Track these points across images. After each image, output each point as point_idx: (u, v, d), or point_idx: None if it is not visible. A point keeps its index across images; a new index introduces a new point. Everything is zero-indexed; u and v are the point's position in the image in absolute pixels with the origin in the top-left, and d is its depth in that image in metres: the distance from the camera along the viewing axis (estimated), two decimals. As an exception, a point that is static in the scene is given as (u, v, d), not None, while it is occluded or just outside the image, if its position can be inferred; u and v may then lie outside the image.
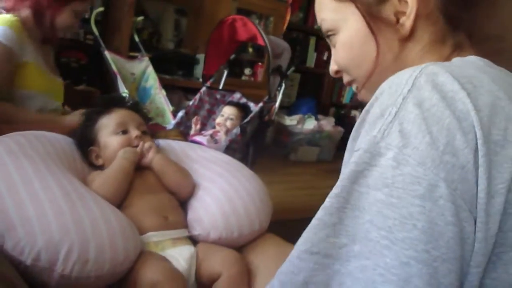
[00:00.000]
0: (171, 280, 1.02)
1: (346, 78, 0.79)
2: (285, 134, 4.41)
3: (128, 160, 1.25)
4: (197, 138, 2.65)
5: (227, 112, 2.67)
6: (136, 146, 1.30)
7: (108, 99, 1.43)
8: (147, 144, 1.29)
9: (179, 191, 1.30)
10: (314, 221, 0.57)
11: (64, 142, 1.31)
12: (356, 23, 0.71)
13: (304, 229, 0.59)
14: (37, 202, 1.00)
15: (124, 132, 1.32)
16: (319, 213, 0.57)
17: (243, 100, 2.86)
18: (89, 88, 2.30)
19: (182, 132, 1.88)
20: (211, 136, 2.62)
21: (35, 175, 1.06)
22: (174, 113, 2.98)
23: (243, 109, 2.72)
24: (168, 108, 3.05)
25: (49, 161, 1.14)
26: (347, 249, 0.54)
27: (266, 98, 2.70)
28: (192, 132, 2.70)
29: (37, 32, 1.78)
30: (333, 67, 0.80)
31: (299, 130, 4.41)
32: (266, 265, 1.17)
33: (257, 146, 2.79)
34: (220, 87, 2.93)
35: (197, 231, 1.22)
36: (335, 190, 0.57)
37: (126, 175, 1.23)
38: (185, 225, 1.24)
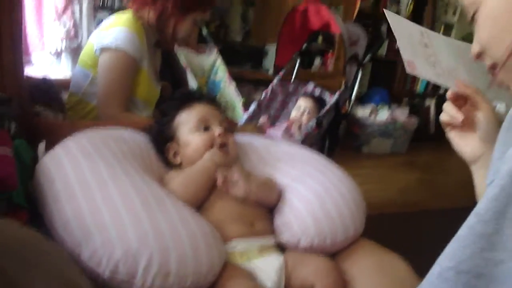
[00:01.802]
0: None
1: (488, 61, 0.66)
2: (357, 125, 4.22)
3: (215, 163, 1.16)
4: (271, 131, 2.55)
5: (303, 104, 2.55)
6: (220, 146, 1.20)
7: (187, 93, 1.34)
8: (235, 175, 1.12)
9: (266, 204, 1.18)
10: (462, 231, 0.45)
11: (140, 140, 1.23)
12: None
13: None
14: (113, 208, 0.92)
15: (206, 128, 1.22)
16: (470, 220, 0.44)
17: (317, 91, 2.72)
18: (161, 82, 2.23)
19: (259, 126, 1.78)
20: (286, 130, 2.51)
21: (111, 178, 0.98)
22: (245, 106, 2.90)
23: (319, 101, 2.59)
24: (238, 101, 2.96)
25: (124, 162, 1.06)
26: (506, 267, 0.42)
27: (342, 88, 2.56)
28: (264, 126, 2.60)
29: (154, 36, 1.76)
30: (474, 48, 0.67)
31: (372, 122, 4.21)
32: (365, 276, 1.04)
33: (332, 139, 2.65)
34: (292, 78, 2.81)
35: (285, 237, 1.11)
36: (493, 190, 0.43)
37: (210, 178, 1.13)
38: (272, 231, 1.13)
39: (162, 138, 1.25)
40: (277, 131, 2.53)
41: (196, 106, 1.25)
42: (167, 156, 1.24)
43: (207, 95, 1.33)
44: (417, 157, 4.44)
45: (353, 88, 2.64)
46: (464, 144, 0.85)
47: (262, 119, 2.57)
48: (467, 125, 0.81)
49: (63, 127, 1.35)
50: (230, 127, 1.34)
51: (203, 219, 1.02)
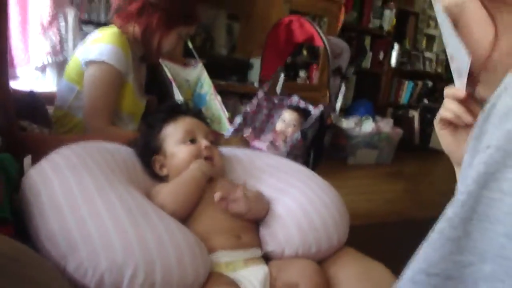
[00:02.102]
0: None
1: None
2: (342, 137, 4.27)
3: (204, 173, 1.17)
4: (257, 144, 2.57)
5: (288, 117, 2.58)
6: (206, 158, 1.22)
7: (173, 106, 1.35)
8: (239, 193, 1.11)
9: (257, 219, 1.19)
10: (433, 235, 0.47)
11: (125, 152, 1.25)
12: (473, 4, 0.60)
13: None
14: (99, 219, 0.94)
15: (193, 141, 1.24)
16: (440, 226, 0.47)
17: (302, 103, 2.75)
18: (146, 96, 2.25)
19: (244, 138, 1.80)
20: (271, 142, 2.53)
21: (96, 190, 1.00)
22: (231, 120, 2.92)
23: (303, 113, 2.62)
24: (224, 114, 2.98)
25: (109, 174, 1.08)
26: (475, 269, 0.44)
27: (326, 101, 2.59)
28: (250, 139, 2.62)
29: (139, 50, 1.78)
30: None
31: (357, 133, 4.27)
32: (350, 282, 1.06)
33: (317, 150, 2.68)
34: (278, 90, 2.84)
35: (270, 247, 1.13)
36: (460, 197, 0.46)
37: (198, 188, 1.15)
38: (258, 243, 1.14)
39: (148, 151, 1.26)
40: (262, 143, 2.55)
41: (183, 118, 1.27)
42: (153, 169, 1.25)
43: (193, 108, 1.35)
44: (402, 167, 4.50)
45: (336, 100, 2.67)
46: (456, 144, 0.83)
47: (247, 132, 2.58)
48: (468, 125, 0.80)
49: (49, 141, 1.36)
50: (216, 140, 1.36)
51: (189, 230, 1.04)
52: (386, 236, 2.87)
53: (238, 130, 2.66)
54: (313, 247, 1.11)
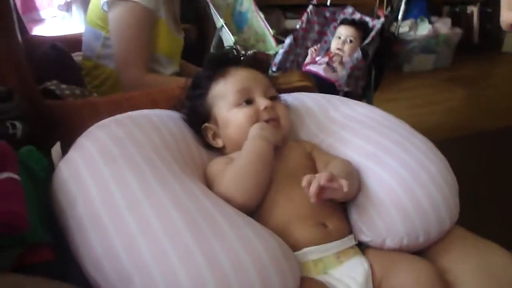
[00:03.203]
0: None
1: None
2: (396, 43, 3.88)
3: (269, 142, 0.92)
4: (311, 68, 2.29)
5: (344, 33, 2.27)
6: (267, 121, 0.98)
7: (218, 57, 1.08)
8: (324, 176, 0.81)
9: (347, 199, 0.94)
10: None
11: (172, 123, 1.00)
12: None
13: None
14: (152, 237, 0.72)
15: (249, 102, 0.99)
16: None
17: (357, 15, 2.41)
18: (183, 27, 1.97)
19: (307, 74, 1.51)
20: (328, 64, 2.24)
21: (143, 193, 0.77)
22: (276, 37, 2.62)
23: (361, 27, 2.30)
24: (269, 32, 2.68)
25: (157, 163, 0.84)
26: None
27: (388, 10, 2.25)
28: (306, 60, 2.33)
29: None
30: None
31: (412, 37, 3.87)
32: (471, 280, 0.83)
33: (380, 69, 2.37)
34: (328, 2, 2.50)
35: (367, 237, 0.89)
36: None
37: (266, 165, 0.90)
38: (349, 230, 0.91)
39: (196, 118, 1.02)
40: (318, 66, 2.27)
41: (233, 73, 1.01)
42: (205, 139, 1.02)
43: (246, 57, 1.08)
44: (461, 70, 4.10)
45: (399, 9, 2.33)
46: None
47: (310, 53, 2.29)
48: None
49: (83, 108, 1.13)
50: (276, 85, 1.10)
51: (267, 231, 0.80)
52: (454, 153, 2.61)
53: (289, 53, 2.37)
54: (421, 235, 0.87)
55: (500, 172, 2.44)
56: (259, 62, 1.11)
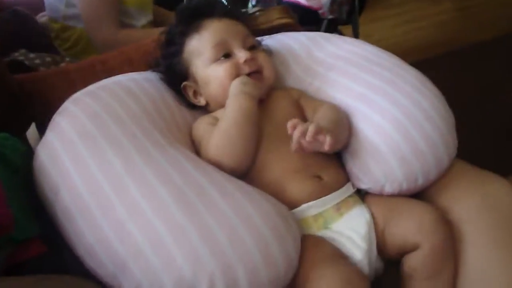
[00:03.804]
0: None
1: None
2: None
3: (252, 96, 0.87)
4: (293, -3, 2.18)
5: (321, -44, 2.14)
6: (249, 74, 0.92)
7: (192, 9, 0.99)
8: (311, 129, 0.75)
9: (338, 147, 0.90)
10: None
11: (150, 86, 0.94)
12: None
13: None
14: (142, 219, 0.68)
15: (227, 56, 0.93)
16: None
17: None
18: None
19: (287, 9, 1.41)
20: (309, -9, 2.13)
21: (127, 170, 0.73)
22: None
23: None
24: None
25: (138, 135, 0.80)
26: None
27: None
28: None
29: None
30: None
31: None
32: (476, 219, 0.80)
33: (362, -10, 2.27)
34: None
35: (365, 184, 0.86)
36: None
37: (253, 122, 0.85)
38: (346, 179, 0.88)
39: (174, 77, 0.97)
40: (299, -4, 2.16)
41: (207, 26, 0.94)
42: (187, 98, 0.97)
43: (220, 6, 1.00)
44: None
45: None
46: None
47: None
48: None
49: (54, 78, 1.07)
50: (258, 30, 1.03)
51: (260, 192, 0.77)
52: (451, 68, 2.56)
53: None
54: (420, 178, 0.84)
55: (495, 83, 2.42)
56: (235, 10, 1.03)
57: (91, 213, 0.70)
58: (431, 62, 2.60)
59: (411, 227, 0.78)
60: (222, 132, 0.84)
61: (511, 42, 2.79)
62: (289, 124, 0.77)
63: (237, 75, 0.91)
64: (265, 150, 0.86)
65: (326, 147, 0.76)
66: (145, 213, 0.68)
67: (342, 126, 0.87)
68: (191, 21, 0.96)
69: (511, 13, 3.20)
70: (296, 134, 0.76)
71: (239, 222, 0.69)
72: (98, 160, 0.74)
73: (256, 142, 0.85)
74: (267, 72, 0.95)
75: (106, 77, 0.95)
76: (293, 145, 0.77)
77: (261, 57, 0.96)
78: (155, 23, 1.55)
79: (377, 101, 0.89)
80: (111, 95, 0.86)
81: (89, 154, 0.75)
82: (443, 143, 0.85)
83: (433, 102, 0.88)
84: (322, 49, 1.05)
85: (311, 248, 0.76)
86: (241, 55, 0.92)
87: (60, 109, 0.85)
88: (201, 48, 0.93)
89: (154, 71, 1.00)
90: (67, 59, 1.29)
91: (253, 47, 0.96)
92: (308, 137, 0.75)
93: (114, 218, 0.69)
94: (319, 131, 0.76)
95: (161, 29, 1.05)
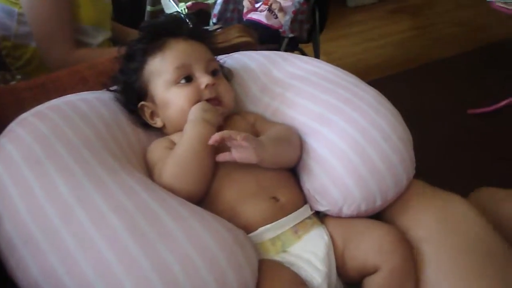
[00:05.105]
0: None
1: None
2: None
3: (211, 124, 0.85)
4: (253, 16, 2.19)
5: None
6: (208, 100, 0.90)
7: (157, 27, 0.97)
8: (240, 137, 0.78)
9: (286, 165, 0.89)
10: None
11: (103, 107, 0.90)
12: None
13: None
14: (91, 250, 0.64)
15: (188, 79, 0.90)
16: None
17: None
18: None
19: (246, 28, 1.40)
20: (269, 10, 2.15)
21: (75, 197, 0.69)
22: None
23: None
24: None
25: (89, 159, 0.76)
26: None
27: None
28: (244, 10, 2.23)
29: None
30: None
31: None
32: (436, 239, 0.80)
33: (323, 8, 2.29)
34: None
35: (323, 206, 0.84)
36: None
37: (210, 150, 0.82)
38: (303, 200, 0.86)
39: (131, 95, 0.93)
40: (259, 14, 2.17)
41: (172, 46, 0.91)
42: (143, 118, 0.94)
43: (187, 27, 0.97)
44: (406, 1, 4.04)
45: None
46: None
47: (246, 3, 2.19)
48: None
49: (2, 97, 1.02)
50: (217, 48, 1.01)
51: (215, 217, 0.74)
52: (411, 86, 2.61)
53: (227, 2, 2.25)
54: (378, 198, 0.82)
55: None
56: (201, 30, 1.01)
57: (36, 242, 0.66)
58: (391, 79, 2.65)
59: (371, 248, 0.76)
60: (178, 159, 0.81)
61: (469, 59, 2.87)
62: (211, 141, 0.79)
63: (197, 100, 0.89)
64: (221, 174, 0.83)
65: (236, 154, 0.79)
66: (94, 243, 0.64)
67: (287, 143, 0.87)
68: (155, 39, 0.93)
69: (469, 30, 3.29)
70: (214, 137, 0.78)
71: (193, 250, 0.66)
72: (44, 186, 0.70)
73: (213, 169, 0.83)
74: (227, 100, 0.93)
75: (57, 97, 0.91)
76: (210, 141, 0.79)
77: (222, 84, 0.94)
78: (113, 41, 1.52)
79: (334, 121, 0.88)
80: (60, 116, 0.82)
81: (34, 180, 0.70)
82: (401, 162, 0.84)
83: (391, 121, 0.88)
84: (280, 69, 1.04)
85: (269, 276, 0.72)
86: (204, 80, 0.89)
87: (6, 131, 0.81)
88: (163, 68, 0.90)
89: (109, 90, 0.97)
90: (18, 76, 1.24)
91: (215, 72, 0.94)
92: (225, 135, 0.78)
93: (61, 248, 0.65)
94: (234, 135, 0.77)
95: (117, 49, 1.01)
